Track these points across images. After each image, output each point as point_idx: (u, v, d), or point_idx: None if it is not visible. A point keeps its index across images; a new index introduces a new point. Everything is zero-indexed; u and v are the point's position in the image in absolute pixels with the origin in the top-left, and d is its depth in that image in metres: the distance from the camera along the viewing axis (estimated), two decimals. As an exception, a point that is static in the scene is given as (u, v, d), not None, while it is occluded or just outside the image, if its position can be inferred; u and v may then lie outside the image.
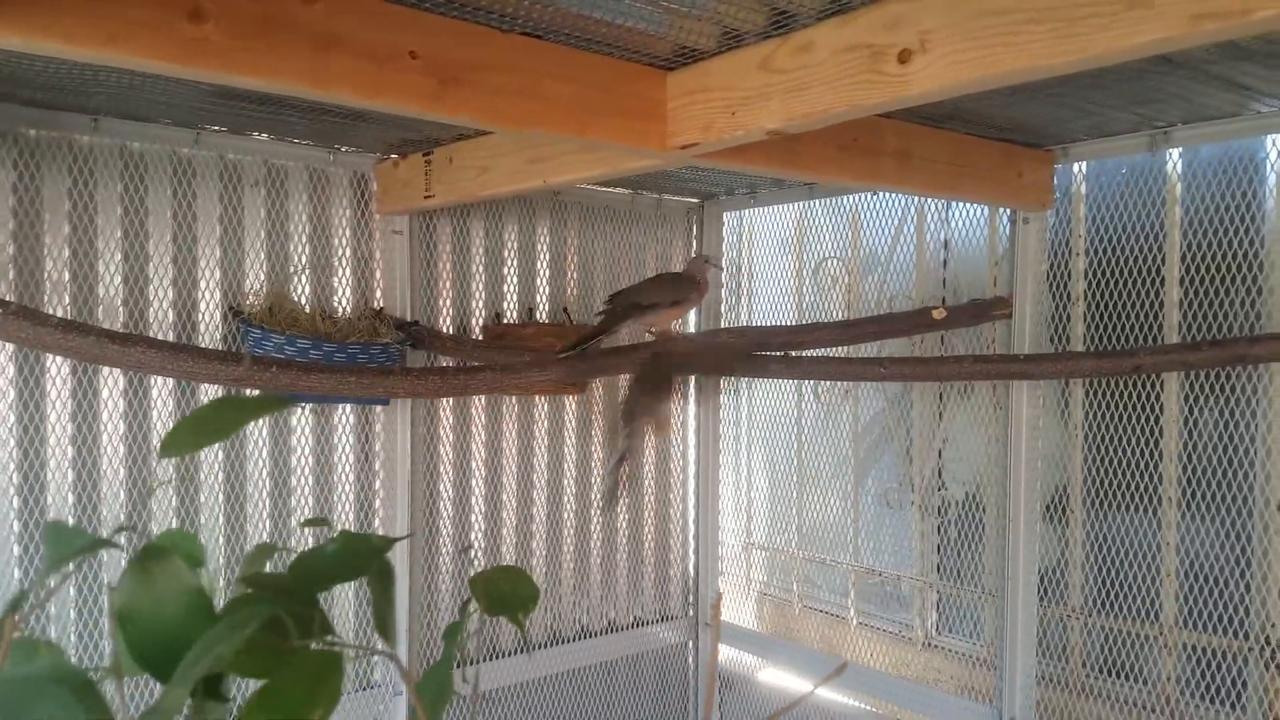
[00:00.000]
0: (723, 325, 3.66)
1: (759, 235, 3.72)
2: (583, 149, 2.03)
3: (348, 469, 2.74)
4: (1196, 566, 2.56)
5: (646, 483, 3.52)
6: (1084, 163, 2.71)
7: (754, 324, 3.73)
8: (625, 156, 1.97)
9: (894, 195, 3.21)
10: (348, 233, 2.68)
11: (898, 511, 3.38)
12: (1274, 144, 2.37)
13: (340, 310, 2.66)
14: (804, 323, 3.13)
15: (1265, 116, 2.19)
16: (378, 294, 2.73)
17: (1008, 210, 2.80)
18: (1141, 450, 2.65)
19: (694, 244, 3.65)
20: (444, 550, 2.98)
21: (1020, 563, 2.73)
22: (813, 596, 3.68)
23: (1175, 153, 2.56)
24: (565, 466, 3.26)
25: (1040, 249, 2.71)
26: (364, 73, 1.46)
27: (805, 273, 3.57)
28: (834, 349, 2.66)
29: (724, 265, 2.64)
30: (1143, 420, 2.64)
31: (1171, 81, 1.93)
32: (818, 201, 3.45)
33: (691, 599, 3.63)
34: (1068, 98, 2.08)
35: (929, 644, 3.29)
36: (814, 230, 3.56)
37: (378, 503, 2.79)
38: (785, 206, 3.54)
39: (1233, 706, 2.48)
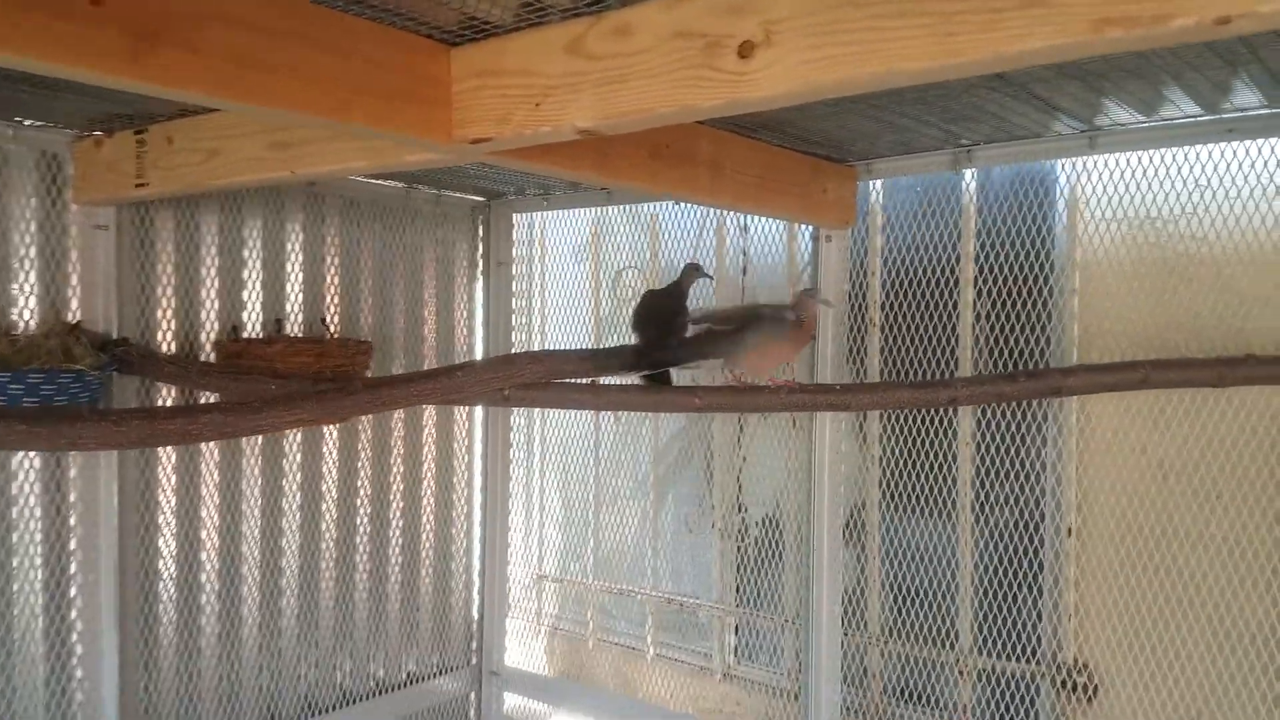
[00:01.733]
0: (513, 339, 3.36)
1: (553, 240, 3.45)
2: (343, 135, 1.67)
3: (33, 527, 2.19)
4: (991, 591, 2.58)
5: (425, 517, 3.16)
6: (881, 180, 2.67)
7: (547, 337, 3.46)
8: (399, 148, 1.63)
9: (692, 205, 3.05)
10: (33, 227, 2.13)
11: (698, 535, 3.24)
12: (1067, 167, 2.41)
13: (22, 326, 2.11)
14: (607, 346, 2.90)
15: (1064, 139, 2.21)
16: (74, 305, 2.20)
17: (808, 226, 2.72)
18: (937, 473, 2.65)
19: (479, 246, 3.33)
20: (165, 634, 2.47)
21: (824, 590, 2.65)
22: (608, 629, 3.48)
23: (970, 172, 2.56)
24: (324, 506, 2.84)
25: (842, 268, 2.64)
26: (21, 23, 1.05)
27: (603, 282, 3.35)
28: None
29: (833, 302, 2.23)
30: (938, 443, 2.63)
31: (994, 98, 1.86)
32: (615, 208, 3.24)
33: (475, 645, 3.31)
34: (886, 111, 1.98)
35: (728, 675, 3.17)
36: (612, 237, 3.35)
37: (74, 568, 2.25)
38: (581, 211, 3.30)
39: (1027, 731, 2.51)
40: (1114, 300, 2.36)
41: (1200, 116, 1.99)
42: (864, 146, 2.37)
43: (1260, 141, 2.00)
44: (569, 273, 3.44)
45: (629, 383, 2.18)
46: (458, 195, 3.20)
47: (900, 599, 2.75)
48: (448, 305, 3.22)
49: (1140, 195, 2.30)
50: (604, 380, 2.15)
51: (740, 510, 3.12)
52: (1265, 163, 2.03)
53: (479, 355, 3.36)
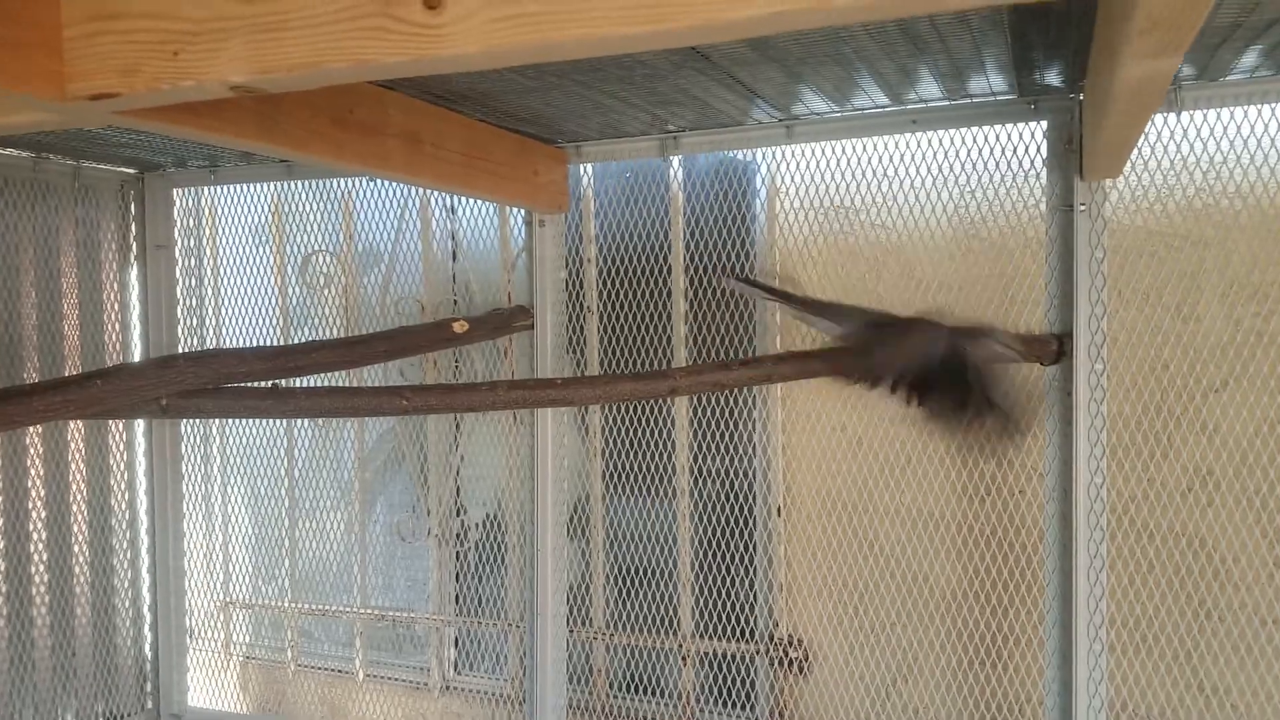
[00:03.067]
0: (179, 341, 2.94)
1: (225, 220, 3.06)
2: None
3: None
4: (709, 574, 2.64)
5: (76, 548, 2.69)
6: (591, 164, 2.62)
7: (225, 332, 3.07)
8: (-5, 104, 1.30)
9: (390, 182, 2.83)
10: None
11: (411, 543, 3.04)
12: (766, 156, 2.49)
13: None
14: (292, 343, 2.59)
15: (765, 127, 2.26)
16: None
17: (521, 209, 2.61)
18: (657, 459, 2.66)
19: (132, 227, 2.87)
20: None
21: (548, 588, 2.57)
22: (311, 653, 3.18)
23: (677, 159, 2.57)
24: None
25: (558, 254, 2.57)
26: None
27: (289, 269, 3.02)
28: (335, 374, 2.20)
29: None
30: (658, 430, 2.64)
31: (698, 81, 1.84)
32: (300, 183, 2.93)
33: (150, 686, 2.89)
34: (592, 89, 1.90)
35: (447, 688, 3.01)
36: (298, 217, 3.02)
37: None
38: (258, 186, 2.95)
39: (747, 709, 2.60)
40: (811, 287, 2.47)
41: (888, 107, 2.11)
42: (573, 127, 2.29)
43: (940, 132, 2.16)
44: (248, 257, 3.07)
45: (319, 384, 1.95)
46: (103, 167, 2.73)
47: (624, 590, 2.74)
48: (94, 298, 2.75)
49: (831, 184, 2.42)
50: (288, 383, 1.90)
51: (459, 513, 2.97)
52: (945, 153, 2.19)
53: (137, 356, 2.91)
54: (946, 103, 2.08)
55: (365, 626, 3.05)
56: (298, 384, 2.13)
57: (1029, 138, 2.07)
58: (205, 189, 2.98)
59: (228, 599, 3.21)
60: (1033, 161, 2.07)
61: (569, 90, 1.87)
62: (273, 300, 3.04)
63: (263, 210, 3.03)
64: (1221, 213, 2.06)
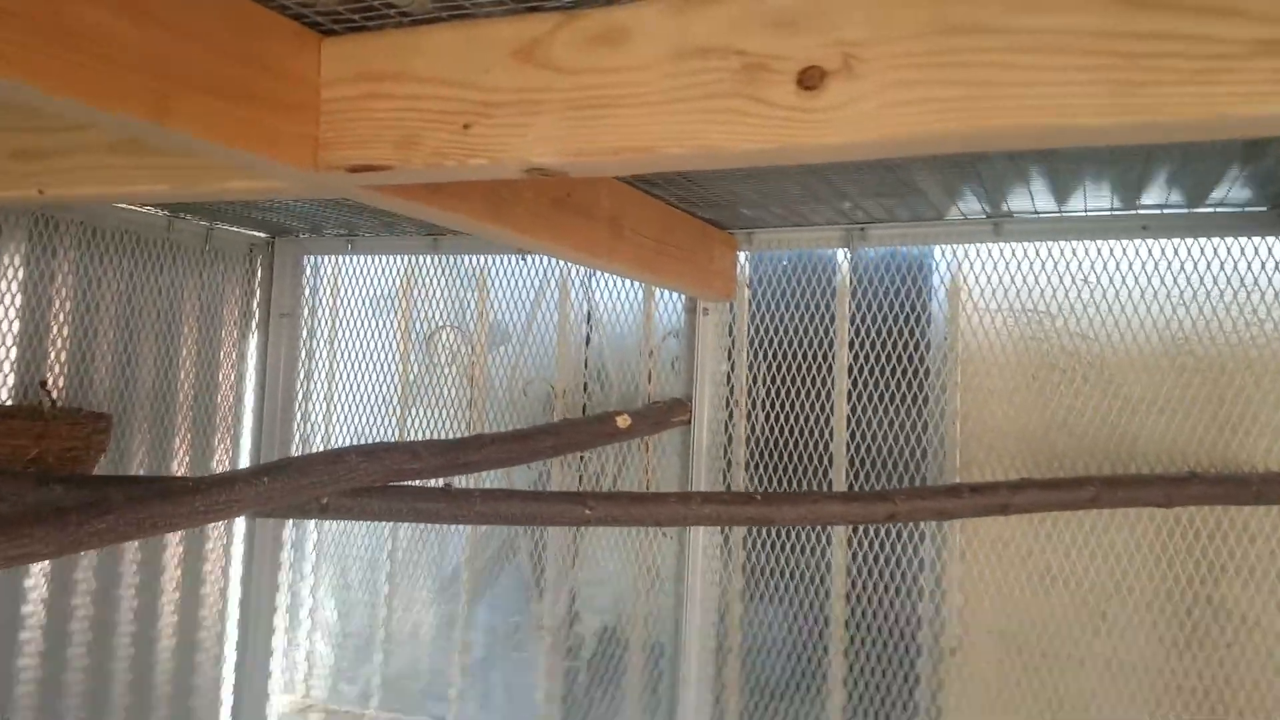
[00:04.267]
0: (295, 415, 2.83)
1: (351, 290, 2.96)
2: (130, 147, 1.20)
3: None
4: (863, 715, 2.40)
5: (163, 640, 2.55)
6: (748, 251, 2.48)
7: (336, 407, 2.95)
8: (228, 169, 1.19)
9: (531, 258, 2.72)
10: None
11: (518, 652, 2.84)
12: (946, 252, 2.34)
13: None
14: (465, 435, 2.45)
15: (968, 222, 2.13)
16: None
17: (676, 292, 2.48)
18: (806, 580, 2.45)
19: (256, 292, 2.79)
20: None
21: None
22: (394, 769, 2.96)
23: (843, 251, 2.43)
24: (24, 636, 2.18)
25: (720, 344, 2.43)
26: None
27: (413, 343, 2.91)
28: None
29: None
30: (809, 546, 2.45)
31: (925, 173, 1.70)
32: (431, 257, 2.84)
33: (225, 800, 2.71)
34: (814, 175, 1.77)
35: (548, 821, 2.78)
36: (425, 289, 2.92)
37: None
38: (392, 258, 2.86)
39: None
40: (995, 395, 2.29)
41: (1118, 210, 1.95)
42: (752, 213, 2.17)
43: (1175, 241, 1.99)
44: (369, 329, 2.97)
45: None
46: (233, 229, 2.66)
47: (762, 724, 2.51)
48: (210, 365, 2.65)
49: (1027, 286, 2.25)
50: (459, 481, 1.75)
51: (572, 620, 2.77)
52: (1183, 264, 2.01)
53: (248, 427, 2.80)
54: (1185, 211, 1.93)
55: (461, 743, 2.84)
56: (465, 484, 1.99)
57: (1278, 254, 1.89)
58: (333, 257, 2.90)
59: (306, 701, 3.02)
60: (1270, 279, 1.89)
61: (795, 176, 1.74)
62: (393, 375, 2.92)
63: (390, 281, 2.94)
64: None
